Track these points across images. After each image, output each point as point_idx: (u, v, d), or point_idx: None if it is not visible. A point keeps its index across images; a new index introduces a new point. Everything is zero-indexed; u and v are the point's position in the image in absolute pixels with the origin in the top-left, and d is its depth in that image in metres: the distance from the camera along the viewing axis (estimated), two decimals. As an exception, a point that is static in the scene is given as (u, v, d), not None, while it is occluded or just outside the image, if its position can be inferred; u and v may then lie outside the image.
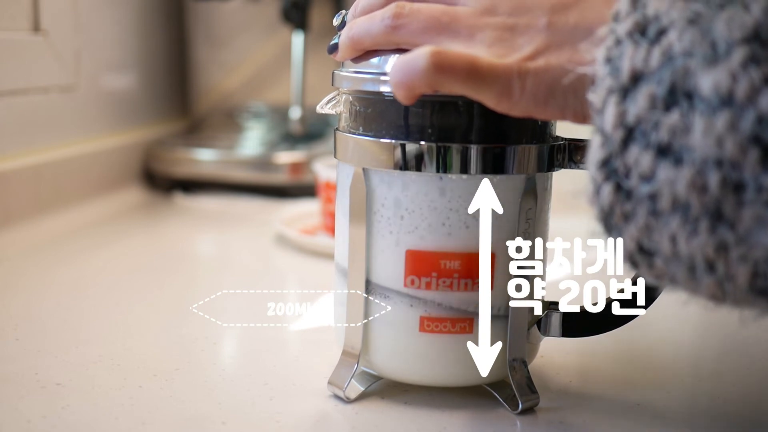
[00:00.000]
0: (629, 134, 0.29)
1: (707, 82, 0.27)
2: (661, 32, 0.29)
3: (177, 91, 1.11)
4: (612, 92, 0.30)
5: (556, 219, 0.43)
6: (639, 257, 0.31)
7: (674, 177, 0.28)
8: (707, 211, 0.28)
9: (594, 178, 0.31)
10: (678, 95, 0.28)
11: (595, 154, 0.31)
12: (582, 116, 0.33)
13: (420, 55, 0.34)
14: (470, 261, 0.39)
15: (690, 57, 0.28)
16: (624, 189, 0.30)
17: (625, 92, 0.29)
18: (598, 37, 0.32)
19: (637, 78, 0.29)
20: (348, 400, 0.42)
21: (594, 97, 0.31)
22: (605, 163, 0.30)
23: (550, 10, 0.34)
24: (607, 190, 0.30)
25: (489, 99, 0.34)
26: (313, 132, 1.00)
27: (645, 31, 0.29)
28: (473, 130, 0.38)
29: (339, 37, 0.41)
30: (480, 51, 0.35)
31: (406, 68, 0.35)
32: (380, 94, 0.39)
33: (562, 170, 0.41)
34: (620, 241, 0.31)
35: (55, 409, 0.40)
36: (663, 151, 0.28)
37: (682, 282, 0.30)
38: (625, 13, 0.30)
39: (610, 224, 0.31)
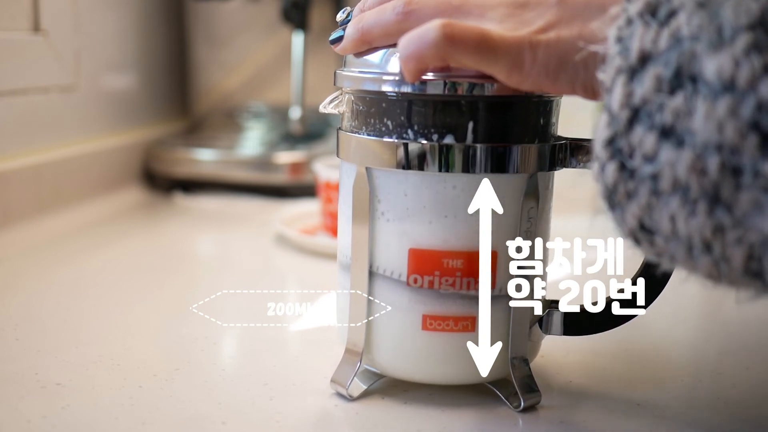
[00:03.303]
0: (635, 115, 0.30)
1: (711, 66, 0.28)
2: (671, 14, 0.29)
3: (177, 91, 1.11)
4: (621, 72, 0.30)
5: (556, 219, 0.43)
6: (640, 234, 0.31)
7: (675, 159, 0.29)
8: (706, 193, 0.28)
9: (599, 156, 0.31)
10: (683, 78, 0.28)
11: (601, 132, 0.31)
12: (592, 91, 0.34)
13: (431, 26, 0.34)
14: (472, 260, 0.39)
15: (697, 40, 0.28)
16: (627, 168, 0.30)
17: (633, 73, 0.30)
18: (611, 16, 0.32)
19: (645, 59, 0.29)
20: (351, 398, 0.42)
21: (604, 76, 0.31)
22: (610, 142, 0.31)
23: None
24: (612, 168, 0.31)
25: (500, 71, 0.35)
26: (313, 132, 1.00)
27: (656, 12, 0.30)
28: (476, 129, 0.38)
29: (343, 30, 0.41)
30: (491, 27, 0.35)
31: (417, 40, 0.35)
32: (383, 93, 0.39)
33: (564, 170, 0.41)
34: (622, 218, 0.31)
35: (55, 409, 0.40)
36: (666, 133, 0.29)
37: (681, 261, 0.31)
38: None
39: (613, 202, 0.31)
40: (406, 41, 0.35)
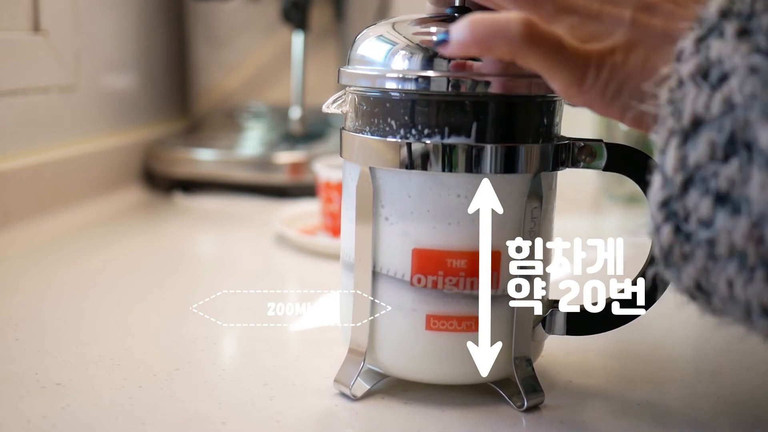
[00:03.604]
0: (689, 179, 0.29)
1: (765, 135, 0.27)
2: (723, 78, 0.29)
3: (177, 91, 1.11)
4: (674, 134, 0.30)
5: (556, 219, 0.43)
6: (697, 294, 0.31)
7: (732, 226, 0.28)
8: (764, 261, 0.28)
9: (654, 217, 0.31)
10: (737, 145, 0.28)
11: (656, 194, 0.31)
12: (640, 123, 0.34)
13: (513, 21, 0.33)
14: (476, 260, 0.39)
15: (750, 108, 0.28)
16: (683, 231, 0.30)
17: (686, 136, 0.29)
18: (662, 76, 0.31)
19: (697, 123, 0.29)
20: (354, 398, 0.42)
21: (656, 137, 0.31)
22: (665, 204, 0.30)
23: (635, 6, 0.34)
24: (667, 230, 0.31)
25: (560, 81, 0.34)
26: (313, 132, 1.00)
27: (707, 75, 0.29)
28: (479, 129, 0.38)
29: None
30: (562, 31, 0.34)
31: (495, 29, 0.33)
32: (387, 92, 0.39)
33: (567, 169, 0.41)
34: (678, 277, 0.31)
35: (55, 409, 0.40)
36: (721, 199, 0.29)
37: (739, 321, 0.31)
38: (689, 53, 0.30)
39: (669, 262, 0.31)
40: (480, 24, 0.34)
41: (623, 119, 0.34)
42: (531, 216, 0.39)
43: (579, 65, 0.33)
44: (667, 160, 0.30)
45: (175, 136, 1.05)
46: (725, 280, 0.29)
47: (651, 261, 0.40)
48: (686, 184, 0.30)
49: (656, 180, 0.31)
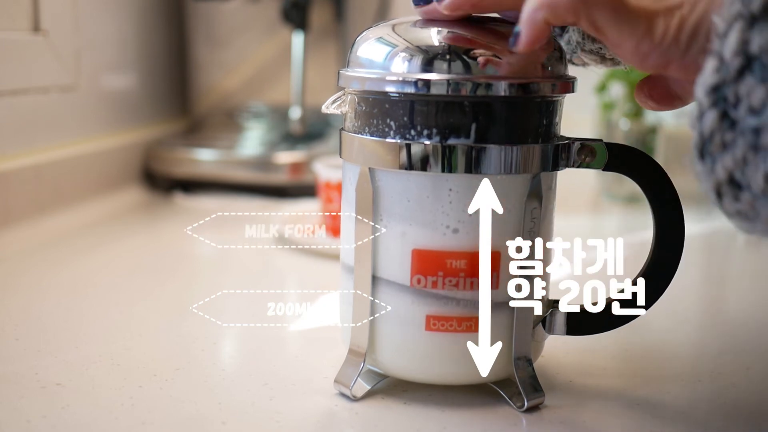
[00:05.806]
0: (748, 64, 0.29)
1: None
2: None
3: (177, 91, 1.11)
4: (739, 18, 0.29)
5: (556, 219, 0.43)
6: (727, 188, 0.31)
7: None
8: None
9: (700, 103, 0.30)
10: None
11: (707, 78, 0.30)
12: None
13: None
14: (476, 260, 0.39)
15: None
16: (729, 118, 0.30)
17: (754, 21, 0.29)
18: None
19: None
20: (354, 399, 0.42)
21: (719, 20, 0.30)
22: (716, 89, 0.30)
23: None
24: (712, 116, 0.30)
25: (630, 37, 0.33)
26: (313, 132, 1.00)
27: None
28: (478, 129, 0.38)
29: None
30: None
31: None
32: (386, 93, 0.39)
33: (567, 169, 0.41)
34: (712, 169, 0.31)
35: (55, 409, 0.40)
36: None
37: (764, 220, 0.30)
38: None
39: (705, 151, 0.31)
40: None
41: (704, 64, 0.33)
42: (531, 216, 0.39)
43: (646, 17, 0.33)
44: (727, 43, 0.29)
45: (175, 136, 1.05)
46: (763, 172, 0.29)
47: (653, 257, 0.40)
48: (743, 70, 0.29)
49: (709, 65, 0.30)
